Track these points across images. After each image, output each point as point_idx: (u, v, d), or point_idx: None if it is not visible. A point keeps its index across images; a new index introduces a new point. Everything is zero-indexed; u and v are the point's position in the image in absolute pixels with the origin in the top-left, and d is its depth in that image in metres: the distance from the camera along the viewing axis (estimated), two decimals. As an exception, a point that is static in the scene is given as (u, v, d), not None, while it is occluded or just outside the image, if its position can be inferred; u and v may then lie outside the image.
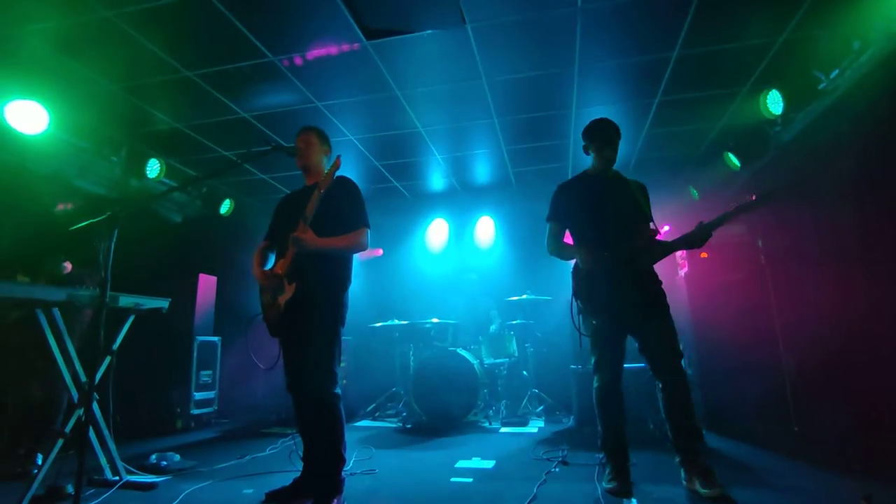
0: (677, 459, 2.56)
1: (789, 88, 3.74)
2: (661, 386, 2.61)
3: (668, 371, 2.58)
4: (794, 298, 3.79)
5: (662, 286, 2.72)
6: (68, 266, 2.98)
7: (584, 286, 2.67)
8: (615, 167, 2.87)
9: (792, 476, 2.89)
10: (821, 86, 3.49)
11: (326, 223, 2.49)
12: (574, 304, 2.73)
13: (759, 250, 4.22)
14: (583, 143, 2.87)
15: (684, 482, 2.53)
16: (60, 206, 3.20)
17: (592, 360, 2.71)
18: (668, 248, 2.67)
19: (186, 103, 4.08)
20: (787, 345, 3.86)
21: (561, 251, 2.82)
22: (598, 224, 2.72)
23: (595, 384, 2.70)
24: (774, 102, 3.84)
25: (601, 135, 2.77)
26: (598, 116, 2.85)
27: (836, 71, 3.36)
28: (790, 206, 3.81)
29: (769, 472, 3.00)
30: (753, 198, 2.50)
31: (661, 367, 2.61)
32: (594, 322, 2.67)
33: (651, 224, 2.75)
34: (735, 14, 3.15)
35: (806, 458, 3.18)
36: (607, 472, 2.63)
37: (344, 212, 2.60)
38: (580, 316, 2.72)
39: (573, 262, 2.79)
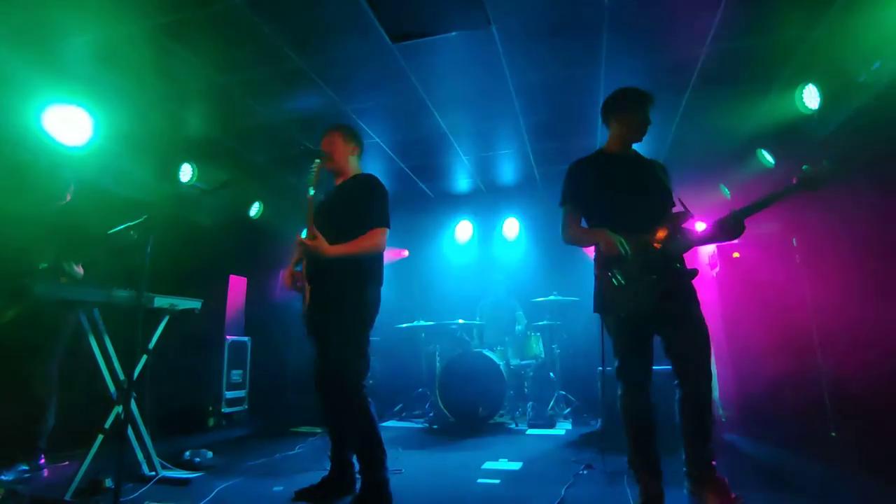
0: (685, 470, 2.25)
1: (826, 82, 3.60)
2: (679, 396, 2.27)
3: (693, 377, 2.25)
4: (832, 299, 3.65)
5: (692, 280, 2.35)
6: (80, 269, 3.08)
7: (605, 275, 2.32)
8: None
9: (829, 483, 2.80)
10: (861, 78, 3.35)
11: (340, 222, 2.50)
12: (597, 296, 2.40)
13: (793, 249, 4.08)
14: (605, 117, 2.57)
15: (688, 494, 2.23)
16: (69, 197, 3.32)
17: (615, 365, 2.37)
18: (698, 239, 2.39)
19: (217, 109, 4.18)
20: (825, 346, 3.72)
21: (580, 237, 2.48)
22: (622, 207, 2.39)
23: (619, 392, 2.36)
24: (810, 97, 3.71)
25: (635, 100, 2.46)
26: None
27: (878, 62, 3.22)
28: (827, 202, 3.67)
29: (806, 477, 2.90)
30: (794, 181, 2.20)
31: (684, 372, 2.27)
32: (620, 316, 2.32)
33: (680, 205, 2.41)
34: (768, 5, 3.06)
35: (844, 464, 3.07)
36: (636, 495, 2.30)
37: (359, 210, 2.57)
38: (603, 313, 2.41)
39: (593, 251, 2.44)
